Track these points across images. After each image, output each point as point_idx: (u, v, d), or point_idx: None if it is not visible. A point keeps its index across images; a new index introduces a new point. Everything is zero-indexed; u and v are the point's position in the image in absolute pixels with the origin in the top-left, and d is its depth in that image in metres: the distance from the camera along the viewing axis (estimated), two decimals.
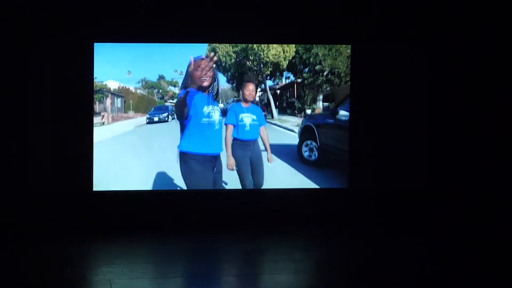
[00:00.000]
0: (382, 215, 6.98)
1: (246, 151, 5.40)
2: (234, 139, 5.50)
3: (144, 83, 6.71)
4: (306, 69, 6.14)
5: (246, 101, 5.48)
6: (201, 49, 6.81)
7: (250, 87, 5.59)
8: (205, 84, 5.08)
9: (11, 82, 6.42)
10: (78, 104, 6.54)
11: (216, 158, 5.33)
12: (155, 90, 6.79)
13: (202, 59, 5.22)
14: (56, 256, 5.80)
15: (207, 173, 5.25)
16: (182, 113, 5.07)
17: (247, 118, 5.45)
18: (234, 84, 5.85)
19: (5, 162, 6.43)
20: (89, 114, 6.60)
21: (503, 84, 6.93)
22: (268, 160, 5.52)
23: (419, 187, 7.06)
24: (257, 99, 5.98)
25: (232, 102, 5.66)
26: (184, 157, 5.40)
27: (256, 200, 6.87)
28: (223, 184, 5.86)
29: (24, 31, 6.36)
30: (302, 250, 6.15)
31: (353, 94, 7.02)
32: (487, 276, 5.37)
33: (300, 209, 6.92)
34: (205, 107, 5.20)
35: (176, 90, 6.61)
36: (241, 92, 5.58)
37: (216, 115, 5.17)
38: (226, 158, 5.30)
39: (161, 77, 6.79)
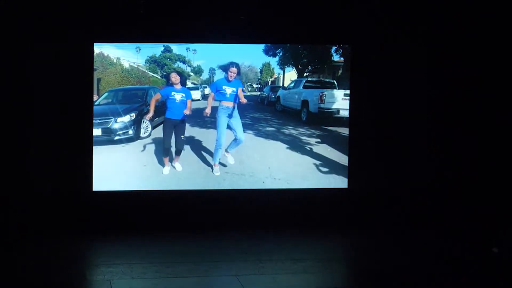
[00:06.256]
0: (382, 215, 6.98)
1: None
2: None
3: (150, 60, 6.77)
4: None
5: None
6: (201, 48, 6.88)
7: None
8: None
9: (11, 82, 6.41)
10: (78, 104, 6.54)
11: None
12: (159, 67, 6.81)
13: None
14: (56, 256, 5.80)
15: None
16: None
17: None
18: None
19: (5, 162, 6.43)
20: (89, 114, 6.60)
21: (504, 83, 6.95)
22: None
23: (419, 187, 7.06)
24: None
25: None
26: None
27: (256, 200, 6.87)
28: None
29: (24, 31, 6.36)
30: (302, 250, 6.15)
31: (353, 94, 7.03)
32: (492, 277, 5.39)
33: (300, 209, 6.92)
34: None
35: (183, 66, 6.88)
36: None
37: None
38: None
39: (166, 49, 6.79)
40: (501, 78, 6.95)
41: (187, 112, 6.88)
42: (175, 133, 6.93)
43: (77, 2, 6.40)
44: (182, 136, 6.93)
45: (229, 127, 6.99)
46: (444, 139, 7.07)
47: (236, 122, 6.99)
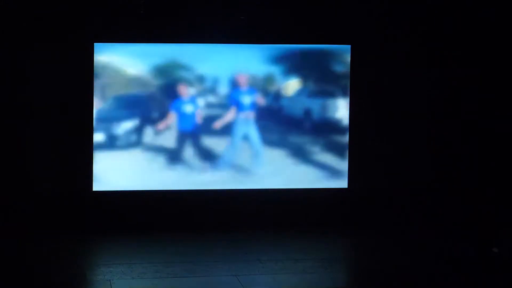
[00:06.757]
0: (382, 215, 6.98)
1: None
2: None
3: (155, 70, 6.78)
4: None
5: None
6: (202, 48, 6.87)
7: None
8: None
9: (11, 82, 6.42)
10: (78, 104, 6.54)
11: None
12: (162, 75, 6.79)
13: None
14: (56, 256, 5.81)
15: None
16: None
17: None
18: None
19: (5, 162, 6.43)
20: (89, 114, 6.60)
21: (504, 83, 6.95)
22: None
23: (420, 187, 7.07)
24: None
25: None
26: None
27: (257, 200, 6.87)
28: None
29: (24, 31, 6.36)
30: (302, 250, 6.15)
31: (353, 94, 7.02)
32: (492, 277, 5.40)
33: (300, 209, 6.92)
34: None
35: (188, 74, 6.83)
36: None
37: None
38: None
39: (170, 59, 6.79)
40: (501, 78, 6.96)
41: (199, 121, 6.88)
42: (196, 145, 6.90)
43: (77, 2, 6.40)
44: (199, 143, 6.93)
45: (245, 136, 6.96)
46: (444, 139, 7.07)
47: (254, 132, 6.97)
